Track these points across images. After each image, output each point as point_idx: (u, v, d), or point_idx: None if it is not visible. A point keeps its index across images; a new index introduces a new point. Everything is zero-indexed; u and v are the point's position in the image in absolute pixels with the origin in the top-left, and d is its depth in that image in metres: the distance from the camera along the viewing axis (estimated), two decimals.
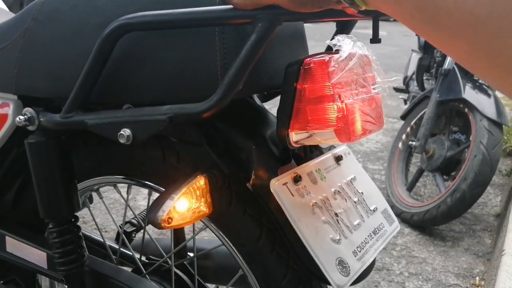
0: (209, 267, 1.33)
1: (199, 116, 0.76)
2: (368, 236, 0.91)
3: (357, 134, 0.80)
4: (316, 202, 0.85)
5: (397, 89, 4.52)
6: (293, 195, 0.82)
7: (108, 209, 1.18)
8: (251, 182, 0.87)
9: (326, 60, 0.77)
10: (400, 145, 3.25)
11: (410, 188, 3.09)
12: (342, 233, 0.86)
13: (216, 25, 0.76)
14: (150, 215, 0.77)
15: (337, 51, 0.80)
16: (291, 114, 0.80)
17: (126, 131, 0.80)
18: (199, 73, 0.80)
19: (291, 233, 0.82)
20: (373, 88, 0.87)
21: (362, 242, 0.89)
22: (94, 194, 1.27)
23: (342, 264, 0.82)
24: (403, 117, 3.34)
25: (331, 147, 1.01)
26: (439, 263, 2.49)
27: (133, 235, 1.43)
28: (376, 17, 0.70)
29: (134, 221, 1.44)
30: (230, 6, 0.72)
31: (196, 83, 0.80)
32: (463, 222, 2.93)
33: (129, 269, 1.19)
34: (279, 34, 0.90)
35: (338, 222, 0.87)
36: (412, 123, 3.23)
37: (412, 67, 4.01)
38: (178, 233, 1.33)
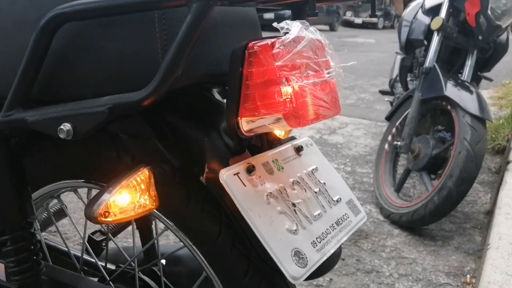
0: (181, 272, 1.30)
1: (139, 105, 0.73)
2: (330, 226, 0.88)
3: (308, 118, 0.77)
4: (271, 193, 0.82)
5: (383, 92, 4.50)
6: (245, 186, 0.79)
7: (69, 216, 1.14)
8: (204, 175, 0.84)
9: (270, 43, 0.74)
10: (386, 146, 3.22)
11: (398, 189, 3.05)
12: (299, 224, 0.82)
13: (150, 10, 0.74)
14: (86, 210, 0.73)
15: (285, 34, 0.77)
16: (239, 100, 0.77)
17: (66, 126, 0.77)
18: (141, 62, 0.77)
19: (245, 226, 0.79)
20: (327, 73, 0.84)
21: (322, 233, 0.85)
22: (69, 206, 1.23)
23: (298, 255, 0.78)
24: (388, 118, 3.31)
25: (292, 138, 0.98)
26: (429, 262, 2.45)
27: (103, 243, 1.39)
28: None
29: (103, 229, 1.41)
30: None
31: (138, 72, 0.78)
32: (453, 220, 2.90)
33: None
34: (227, 21, 0.87)
35: (296, 213, 0.83)
36: (397, 123, 3.20)
37: (397, 69, 3.99)
38: (147, 239, 1.29)
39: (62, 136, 0.77)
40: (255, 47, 0.75)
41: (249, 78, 0.76)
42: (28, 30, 0.83)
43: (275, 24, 0.79)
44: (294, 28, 0.77)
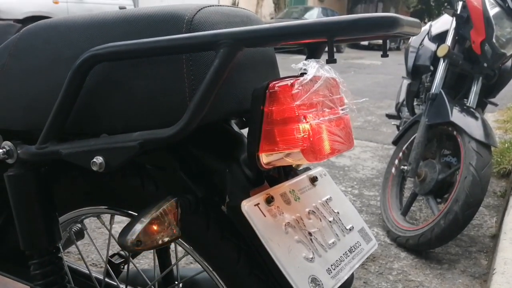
0: None
1: (168, 141, 0.78)
2: (344, 254, 0.92)
3: (324, 153, 0.82)
4: (289, 222, 0.87)
5: (389, 116, 4.54)
6: (265, 216, 0.84)
7: (92, 240, 1.19)
8: (225, 205, 0.89)
9: (290, 84, 0.80)
10: (393, 170, 3.26)
11: (404, 212, 3.08)
12: (315, 252, 0.87)
13: (179, 53, 0.79)
14: (120, 239, 0.78)
15: (302, 74, 0.83)
16: (260, 136, 0.82)
17: (98, 159, 0.83)
18: (169, 100, 0.82)
19: (265, 254, 0.84)
20: (341, 109, 0.89)
21: (337, 260, 0.90)
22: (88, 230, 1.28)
23: (315, 281, 0.83)
24: (395, 142, 3.36)
25: (307, 169, 1.03)
26: (436, 286, 2.48)
27: (122, 266, 1.44)
28: (331, 39, 0.73)
29: (122, 252, 1.45)
30: (193, 34, 0.76)
31: (167, 110, 0.83)
32: (459, 244, 2.93)
33: None
34: (248, 60, 0.93)
35: (312, 241, 0.88)
36: (404, 148, 3.24)
37: (403, 94, 4.04)
38: (165, 262, 1.34)
39: (94, 168, 0.83)
40: (275, 87, 0.80)
41: (269, 116, 0.81)
42: (62, 67, 0.89)
43: (293, 65, 0.85)
44: (311, 68, 0.83)
